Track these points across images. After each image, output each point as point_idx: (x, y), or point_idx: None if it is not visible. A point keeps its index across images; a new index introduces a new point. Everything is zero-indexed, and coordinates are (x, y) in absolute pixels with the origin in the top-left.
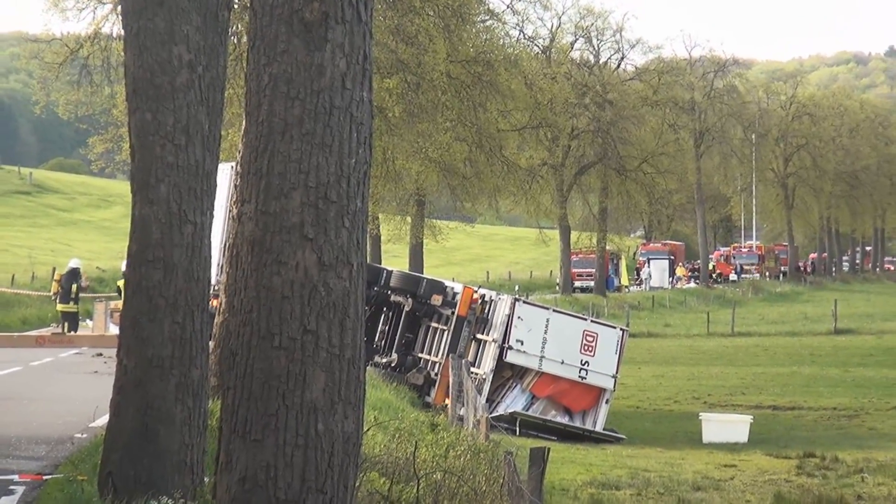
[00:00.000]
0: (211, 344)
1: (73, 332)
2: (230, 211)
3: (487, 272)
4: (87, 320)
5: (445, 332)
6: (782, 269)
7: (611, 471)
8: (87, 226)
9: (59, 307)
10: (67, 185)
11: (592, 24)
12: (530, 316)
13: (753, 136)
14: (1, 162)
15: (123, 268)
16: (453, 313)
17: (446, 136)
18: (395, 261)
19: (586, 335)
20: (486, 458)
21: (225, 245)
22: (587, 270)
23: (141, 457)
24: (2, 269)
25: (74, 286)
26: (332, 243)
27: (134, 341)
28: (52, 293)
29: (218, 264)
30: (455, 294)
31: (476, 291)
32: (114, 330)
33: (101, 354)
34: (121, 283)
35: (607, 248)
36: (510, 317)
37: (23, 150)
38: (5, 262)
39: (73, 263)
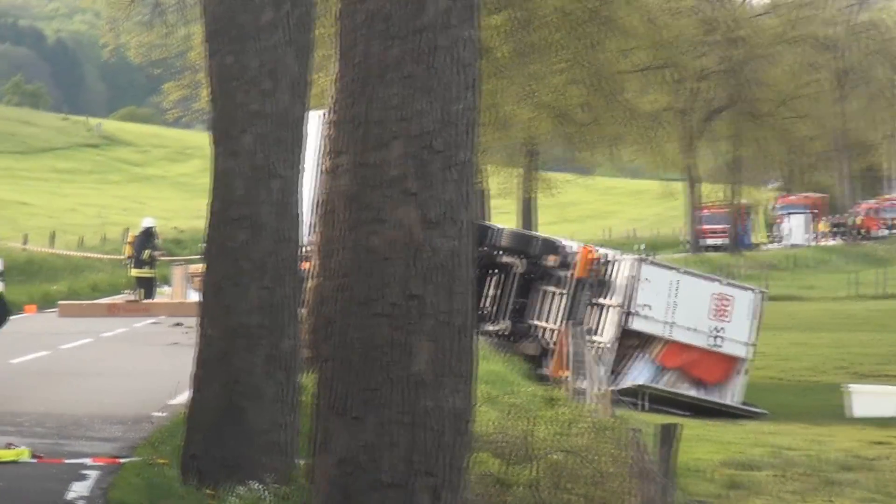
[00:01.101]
0: (302, 311)
1: (148, 300)
2: (322, 163)
3: (607, 229)
4: (165, 286)
5: (562, 297)
6: None
7: (749, 449)
8: (161, 182)
9: (133, 272)
10: (140, 137)
11: None
12: (657, 278)
13: None
14: (67, 112)
15: None
16: (570, 275)
17: (560, 78)
18: (503, 217)
19: (719, 299)
20: (611, 436)
21: (316, 202)
22: (718, 226)
23: (227, 437)
24: (69, 230)
25: (149, 249)
26: (438, 198)
27: (217, 309)
28: (124, 257)
29: (308, 223)
30: (572, 254)
31: (595, 251)
32: (194, 297)
33: (180, 324)
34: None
35: (741, 201)
36: (634, 279)
37: (90, 98)
38: (73, 222)
39: (148, 223)
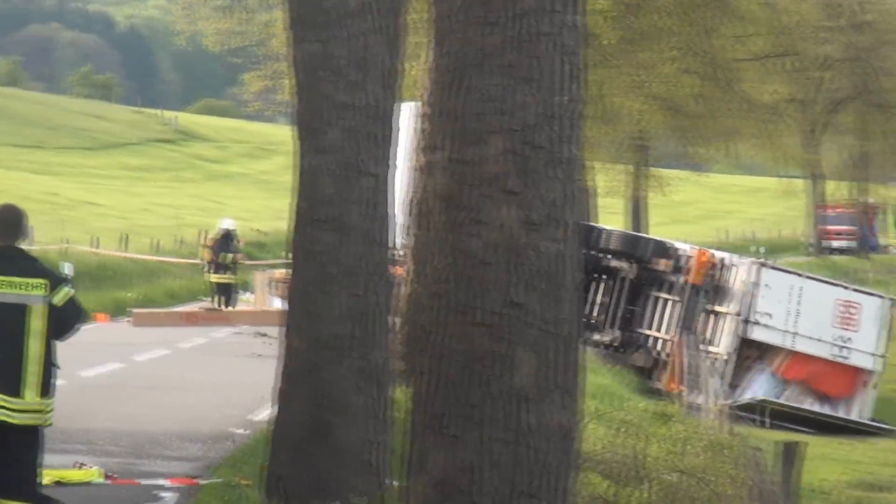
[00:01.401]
0: (395, 320)
1: (229, 308)
2: (414, 160)
3: (723, 231)
4: (246, 293)
5: (675, 304)
6: None
7: (879, 469)
8: (242, 179)
9: (212, 278)
10: (218, 132)
11: None
12: (777, 283)
13: None
14: (139, 104)
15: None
16: (684, 281)
17: (671, 66)
18: (611, 218)
19: (845, 306)
20: (729, 455)
21: (409, 201)
22: (844, 228)
23: (314, 456)
24: (143, 232)
25: (229, 253)
26: (541, 198)
27: (304, 318)
28: (202, 261)
29: (400, 224)
30: (685, 257)
31: (711, 254)
32: (278, 304)
33: (263, 334)
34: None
35: (869, 200)
36: (753, 285)
37: (164, 89)
38: (147, 223)
39: (227, 225)
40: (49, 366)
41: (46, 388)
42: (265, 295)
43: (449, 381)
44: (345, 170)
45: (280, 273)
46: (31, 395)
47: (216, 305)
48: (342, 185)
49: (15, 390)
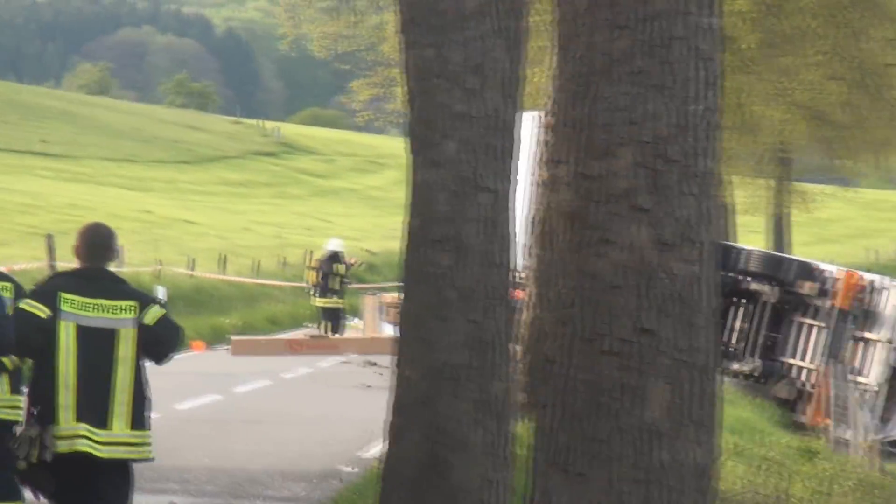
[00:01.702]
0: (516, 349)
1: (336, 335)
2: (537, 174)
3: (874, 251)
4: (354, 319)
5: (820, 331)
6: None
7: None
8: (350, 195)
9: (318, 302)
10: (324, 144)
11: None
12: None
13: None
14: (239, 114)
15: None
16: (831, 306)
17: (816, 72)
18: (751, 237)
19: None
20: (880, 495)
21: (531, 219)
22: None
23: (429, 496)
24: (243, 252)
25: (336, 275)
26: (674, 215)
27: (417, 346)
28: (307, 284)
29: (522, 244)
30: (832, 280)
31: (860, 277)
32: (389, 331)
33: (373, 363)
34: None
35: None
36: None
37: (266, 98)
38: (247, 244)
39: (334, 246)
40: (141, 395)
41: (139, 420)
42: (375, 321)
43: (574, 414)
44: (462, 185)
45: (391, 297)
46: (119, 426)
47: (322, 332)
48: (459, 202)
49: (102, 421)
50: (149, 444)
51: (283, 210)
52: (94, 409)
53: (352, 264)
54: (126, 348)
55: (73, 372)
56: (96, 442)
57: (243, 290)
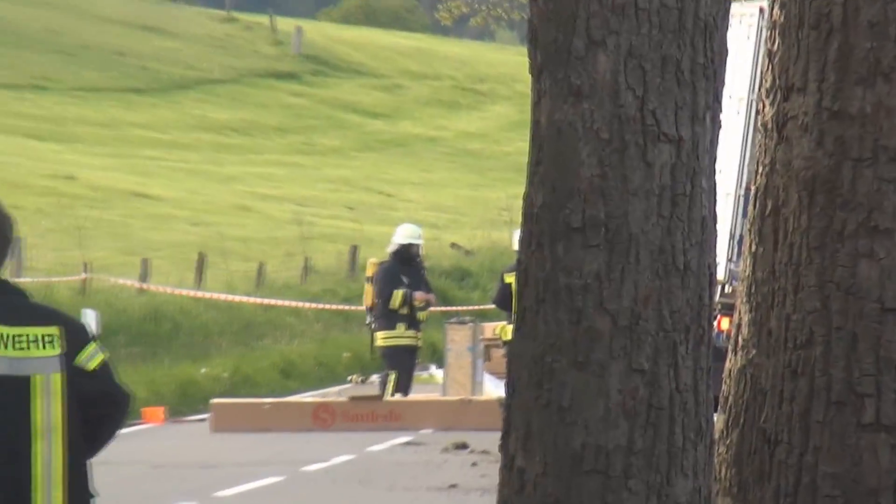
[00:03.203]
0: (713, 420)
1: (397, 395)
2: (760, 112)
3: None
4: (432, 367)
5: None
6: None
7: None
8: (427, 149)
9: (381, 340)
10: (380, 58)
11: None
12: None
13: None
14: (229, 6)
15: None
16: None
17: None
18: None
19: None
20: None
21: (744, 193)
22: None
23: None
24: (236, 250)
25: (405, 290)
26: None
27: (541, 416)
28: (365, 309)
29: (729, 237)
30: None
31: None
32: (491, 388)
33: (463, 446)
34: (510, 277)
35: None
36: None
37: None
38: (244, 234)
39: (407, 237)
40: (82, 496)
41: None
42: (466, 370)
43: None
44: (622, 131)
45: (495, 329)
46: None
47: (381, 392)
48: (616, 162)
49: None
50: None
51: (308, 175)
52: None
53: (427, 298)
54: (49, 408)
55: None
56: None
57: (235, 315)
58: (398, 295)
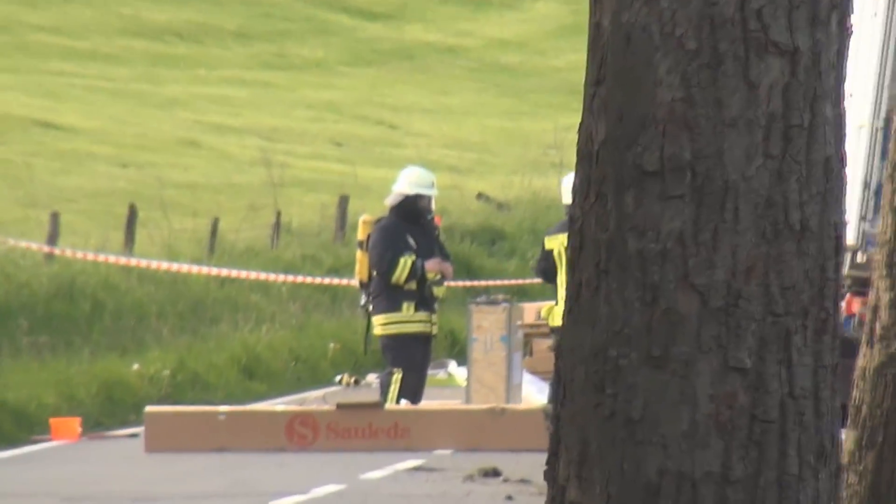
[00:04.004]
0: (840, 436)
1: (403, 402)
2: None
3: None
4: (450, 362)
5: None
6: None
7: None
8: (442, 60)
9: (379, 326)
10: None
11: None
12: None
13: None
14: None
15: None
16: None
17: None
18: None
19: None
20: None
21: (882, 126)
22: None
23: None
24: (180, 200)
25: (414, 258)
26: None
27: (602, 430)
28: (358, 282)
29: (862, 189)
30: None
31: None
32: (534, 394)
33: (494, 473)
34: (552, 241)
35: None
36: None
37: None
38: (189, 179)
39: (414, 185)
40: None
41: None
42: (499, 367)
43: None
44: (714, 38)
45: (538, 311)
46: None
47: (381, 395)
48: (708, 80)
49: None
50: None
51: (279, 98)
52: None
53: (442, 269)
54: None
55: None
56: None
57: (178, 291)
58: (405, 263)
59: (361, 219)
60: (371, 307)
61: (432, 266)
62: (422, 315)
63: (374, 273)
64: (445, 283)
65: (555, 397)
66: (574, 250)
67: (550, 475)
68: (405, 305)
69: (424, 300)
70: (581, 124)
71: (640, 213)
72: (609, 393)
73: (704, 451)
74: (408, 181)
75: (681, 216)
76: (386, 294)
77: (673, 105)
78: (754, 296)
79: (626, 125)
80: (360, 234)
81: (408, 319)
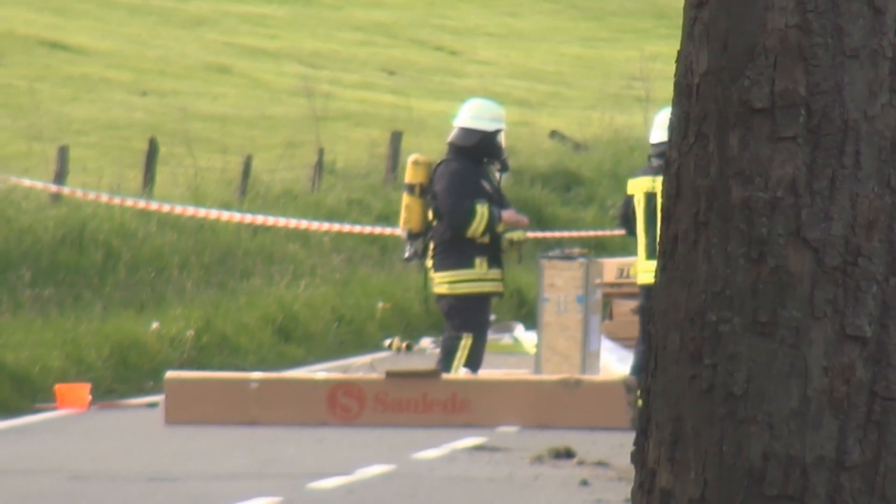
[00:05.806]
0: None
1: (466, 370)
2: None
3: None
4: (518, 325)
5: None
6: None
7: None
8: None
9: (439, 282)
10: None
11: None
12: None
13: None
14: None
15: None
16: None
17: None
18: None
19: None
20: None
21: None
22: None
23: None
24: (206, 135)
25: (481, 205)
26: None
27: (694, 407)
28: (403, 230)
29: None
30: None
31: None
32: (614, 363)
33: (568, 454)
34: (635, 186)
35: None
36: None
37: None
38: (218, 110)
39: (477, 120)
40: None
41: None
42: (574, 331)
43: None
44: None
45: (627, 267)
46: None
47: (441, 362)
48: (826, 4)
49: None
50: None
51: (322, 18)
52: None
53: (518, 221)
54: None
55: None
56: None
57: (205, 240)
58: (482, 213)
59: (411, 159)
60: (435, 261)
61: (509, 217)
62: (495, 272)
63: (443, 222)
64: (525, 236)
65: (644, 367)
66: (669, 198)
67: (638, 457)
68: (478, 261)
69: (497, 256)
70: (679, 53)
71: (746, 156)
72: (707, 363)
73: (816, 432)
74: (483, 115)
75: (793, 161)
76: (455, 248)
77: (786, 32)
78: (876, 253)
79: (731, 55)
80: (410, 177)
81: (481, 277)
